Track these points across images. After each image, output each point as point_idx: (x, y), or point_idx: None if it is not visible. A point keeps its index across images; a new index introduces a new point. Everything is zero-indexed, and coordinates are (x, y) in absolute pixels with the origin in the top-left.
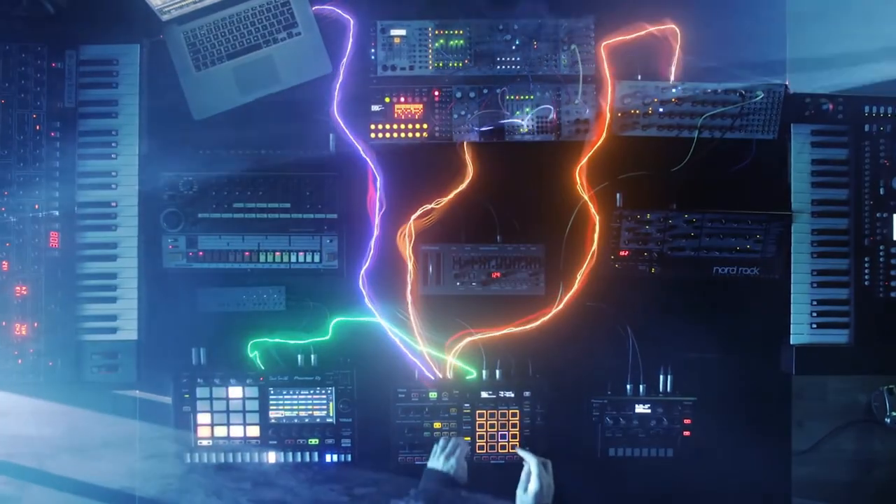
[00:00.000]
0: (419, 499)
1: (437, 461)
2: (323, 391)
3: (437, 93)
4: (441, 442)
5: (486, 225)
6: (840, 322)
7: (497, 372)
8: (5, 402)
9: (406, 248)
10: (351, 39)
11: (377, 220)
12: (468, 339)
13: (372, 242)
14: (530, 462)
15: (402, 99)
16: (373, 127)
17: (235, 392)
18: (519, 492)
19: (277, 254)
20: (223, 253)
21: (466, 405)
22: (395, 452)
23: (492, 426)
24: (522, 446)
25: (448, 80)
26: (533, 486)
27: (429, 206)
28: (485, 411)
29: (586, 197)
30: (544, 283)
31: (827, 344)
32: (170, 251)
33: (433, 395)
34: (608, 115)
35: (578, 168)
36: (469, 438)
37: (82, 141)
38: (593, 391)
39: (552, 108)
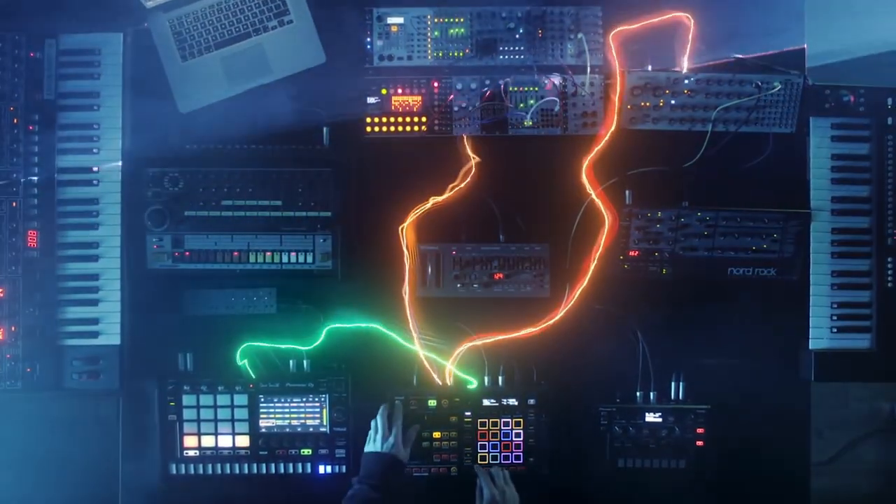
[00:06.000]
0: (363, 487)
1: (374, 444)
2: (316, 399)
3: (436, 84)
4: (373, 423)
5: (487, 223)
6: (861, 326)
7: (500, 378)
8: None
9: (404, 248)
10: (346, 28)
11: (373, 219)
12: (469, 344)
13: (368, 242)
14: (479, 473)
15: (400, 90)
16: (369, 120)
17: (224, 400)
18: None
19: (268, 254)
20: (211, 253)
21: (467, 413)
22: None
23: (494, 436)
24: (528, 457)
25: (448, 71)
26: (485, 495)
27: (435, 199)
28: (487, 420)
29: (594, 194)
30: (549, 284)
31: (848, 349)
32: (154, 251)
33: (432, 403)
34: (617, 108)
35: (585, 163)
36: (470, 448)
37: (62, 135)
38: (601, 399)
39: (558, 100)
